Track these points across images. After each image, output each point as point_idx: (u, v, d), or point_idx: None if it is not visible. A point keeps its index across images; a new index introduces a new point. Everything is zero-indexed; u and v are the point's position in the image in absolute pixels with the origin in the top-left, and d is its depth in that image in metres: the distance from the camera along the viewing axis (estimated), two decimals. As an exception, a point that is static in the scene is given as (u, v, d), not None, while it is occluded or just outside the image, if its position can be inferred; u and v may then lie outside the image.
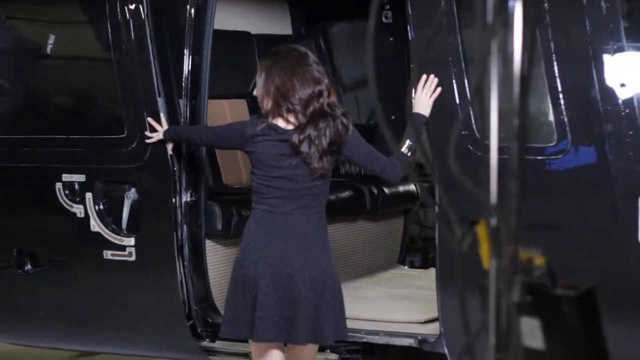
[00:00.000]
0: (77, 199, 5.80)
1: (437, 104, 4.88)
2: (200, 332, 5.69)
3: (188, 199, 5.57)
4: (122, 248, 5.67)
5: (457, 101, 4.83)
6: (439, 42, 4.76)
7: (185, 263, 5.59)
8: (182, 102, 5.58)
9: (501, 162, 1.89)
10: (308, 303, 4.68)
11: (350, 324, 5.03)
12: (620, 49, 4.48)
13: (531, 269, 1.93)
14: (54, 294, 6.05)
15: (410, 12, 4.93)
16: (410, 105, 4.78)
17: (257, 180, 4.78)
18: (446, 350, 5.02)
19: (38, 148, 5.97)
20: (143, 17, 5.55)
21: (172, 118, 5.56)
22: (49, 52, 6.07)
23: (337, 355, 5.43)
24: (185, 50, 5.57)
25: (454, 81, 4.83)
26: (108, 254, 5.72)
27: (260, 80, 4.78)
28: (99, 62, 5.96)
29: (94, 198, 5.75)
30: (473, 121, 4.75)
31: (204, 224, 5.63)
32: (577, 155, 4.59)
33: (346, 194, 6.55)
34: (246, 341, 4.97)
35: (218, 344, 5.67)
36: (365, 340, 5.42)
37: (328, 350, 5.38)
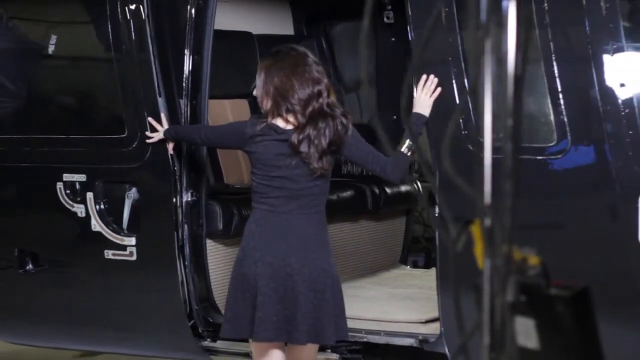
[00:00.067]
0: (78, 199, 5.80)
1: (437, 104, 4.88)
2: (201, 332, 5.69)
3: (189, 199, 5.57)
4: (123, 248, 5.67)
5: (457, 101, 4.83)
6: (439, 42, 4.76)
7: (186, 263, 5.59)
8: (182, 102, 5.57)
9: (496, 162, 1.89)
10: (308, 303, 4.67)
11: (351, 324, 5.03)
12: (620, 49, 4.47)
13: (525, 269, 1.93)
14: (55, 294, 6.05)
15: (410, 13, 4.93)
16: (410, 106, 4.78)
17: (257, 180, 4.78)
18: (447, 350, 5.02)
19: (39, 148, 5.96)
20: (144, 17, 5.55)
21: (173, 118, 5.55)
22: (50, 52, 6.07)
23: (338, 355, 5.43)
24: (185, 50, 5.56)
25: (454, 81, 4.83)
26: (109, 254, 5.72)
27: (259, 80, 4.78)
28: (100, 62, 5.97)
29: (95, 198, 5.75)
30: (473, 121, 4.75)
31: (204, 224, 5.62)
32: (577, 155, 4.58)
33: (348, 193, 6.54)
34: (247, 341, 4.97)
35: (219, 344, 5.66)
36: (366, 340, 5.42)
37: (329, 350, 5.38)
